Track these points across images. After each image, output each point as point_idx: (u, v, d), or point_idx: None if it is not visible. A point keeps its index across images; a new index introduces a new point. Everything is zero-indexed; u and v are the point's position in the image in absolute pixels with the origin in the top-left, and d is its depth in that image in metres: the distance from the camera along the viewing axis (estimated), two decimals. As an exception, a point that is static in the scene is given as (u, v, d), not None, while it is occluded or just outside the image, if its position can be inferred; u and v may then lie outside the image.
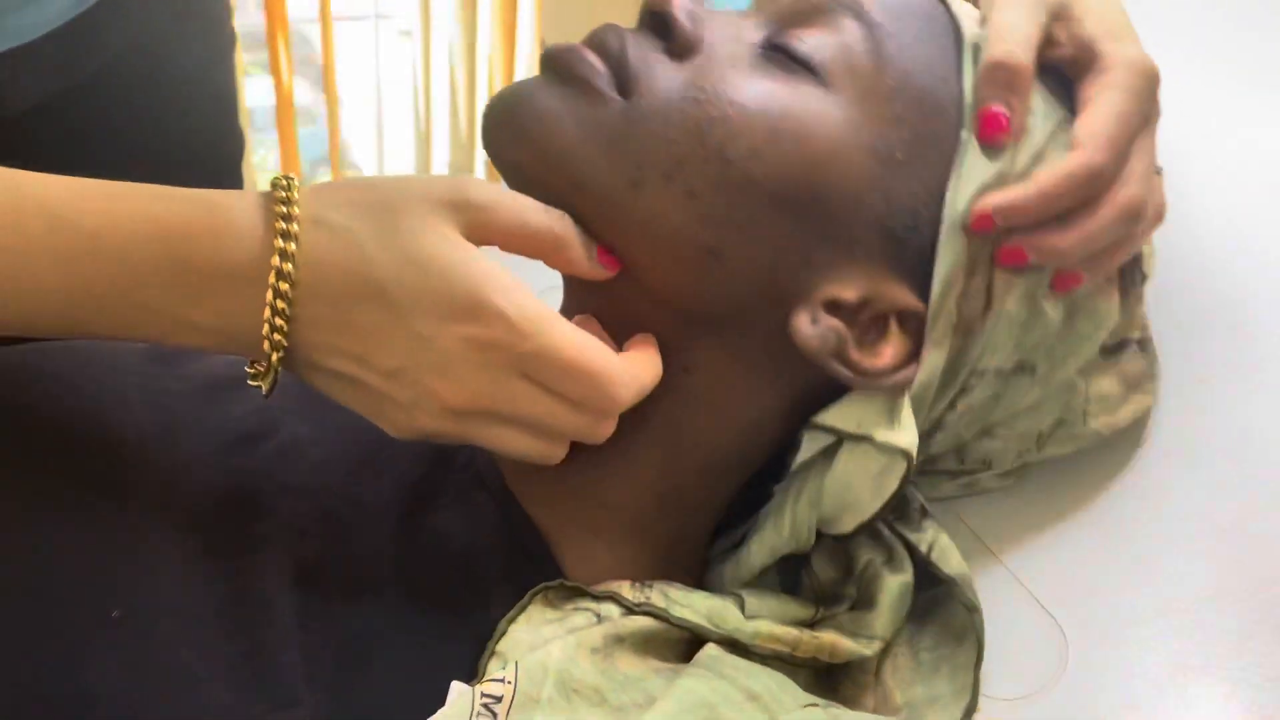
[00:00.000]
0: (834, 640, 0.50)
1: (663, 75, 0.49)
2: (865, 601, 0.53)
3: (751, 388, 0.52)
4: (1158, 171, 0.53)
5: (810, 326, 0.49)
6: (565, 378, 0.46)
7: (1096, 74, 0.51)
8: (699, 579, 0.56)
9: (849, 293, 0.50)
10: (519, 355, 0.45)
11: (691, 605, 0.49)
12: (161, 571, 0.47)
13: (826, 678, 0.53)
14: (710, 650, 0.48)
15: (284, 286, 0.44)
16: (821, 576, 0.55)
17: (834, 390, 0.51)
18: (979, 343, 0.51)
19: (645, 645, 0.48)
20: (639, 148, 0.48)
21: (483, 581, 0.50)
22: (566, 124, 0.49)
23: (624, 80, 0.49)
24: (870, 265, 0.50)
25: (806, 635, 0.50)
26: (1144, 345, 0.59)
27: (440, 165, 2.25)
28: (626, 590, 0.49)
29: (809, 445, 0.52)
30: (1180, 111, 0.73)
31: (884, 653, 0.52)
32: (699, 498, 0.54)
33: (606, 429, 0.48)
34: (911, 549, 0.54)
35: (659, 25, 0.51)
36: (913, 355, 0.51)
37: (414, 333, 0.45)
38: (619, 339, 0.51)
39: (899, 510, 0.54)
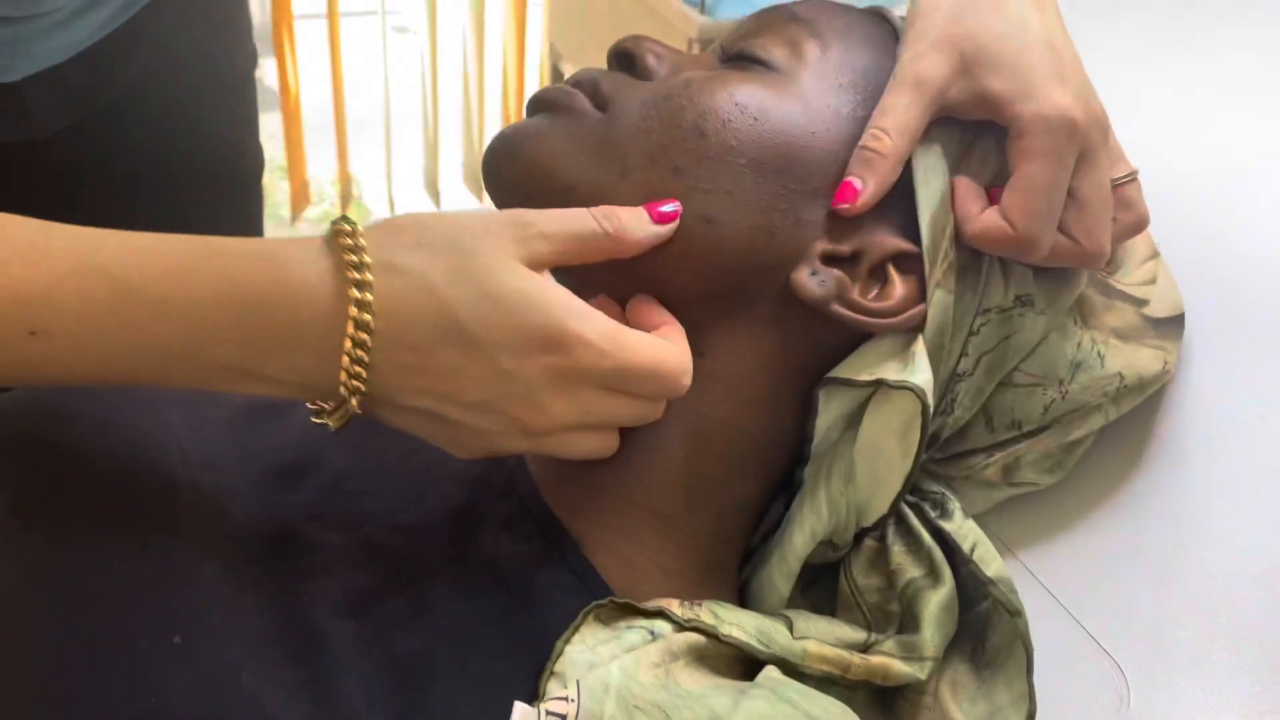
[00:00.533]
0: (885, 663, 0.50)
1: (633, 90, 0.55)
2: (910, 623, 0.53)
3: (765, 363, 0.54)
4: (1129, 178, 0.56)
5: (811, 278, 0.52)
6: (644, 382, 0.49)
7: (1014, 138, 0.53)
8: (742, 588, 0.57)
9: (842, 245, 0.53)
10: (602, 374, 0.47)
11: (740, 624, 0.50)
12: (218, 599, 0.48)
13: (881, 700, 0.53)
14: (771, 672, 0.48)
15: (362, 336, 0.45)
16: (861, 581, 0.54)
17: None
18: (979, 281, 0.54)
19: (700, 660, 0.49)
20: (622, 144, 0.53)
21: (533, 601, 0.51)
22: (554, 137, 0.54)
23: (599, 99, 0.55)
24: (859, 217, 0.53)
25: (857, 658, 0.50)
26: (1137, 303, 0.60)
27: (451, 164, 2.24)
28: (676, 607, 0.49)
29: (826, 406, 0.53)
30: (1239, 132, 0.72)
31: (941, 671, 0.52)
32: (729, 492, 0.55)
33: (661, 409, 0.51)
34: (953, 552, 0.53)
35: (626, 62, 0.58)
36: (919, 297, 0.53)
37: (498, 368, 0.46)
38: None
39: (941, 508, 0.54)
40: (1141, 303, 0.60)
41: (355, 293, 0.45)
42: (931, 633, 0.51)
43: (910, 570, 0.53)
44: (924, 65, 0.53)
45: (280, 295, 0.45)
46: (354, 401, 0.46)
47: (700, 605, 0.50)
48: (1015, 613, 0.51)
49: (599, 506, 0.53)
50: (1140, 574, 0.57)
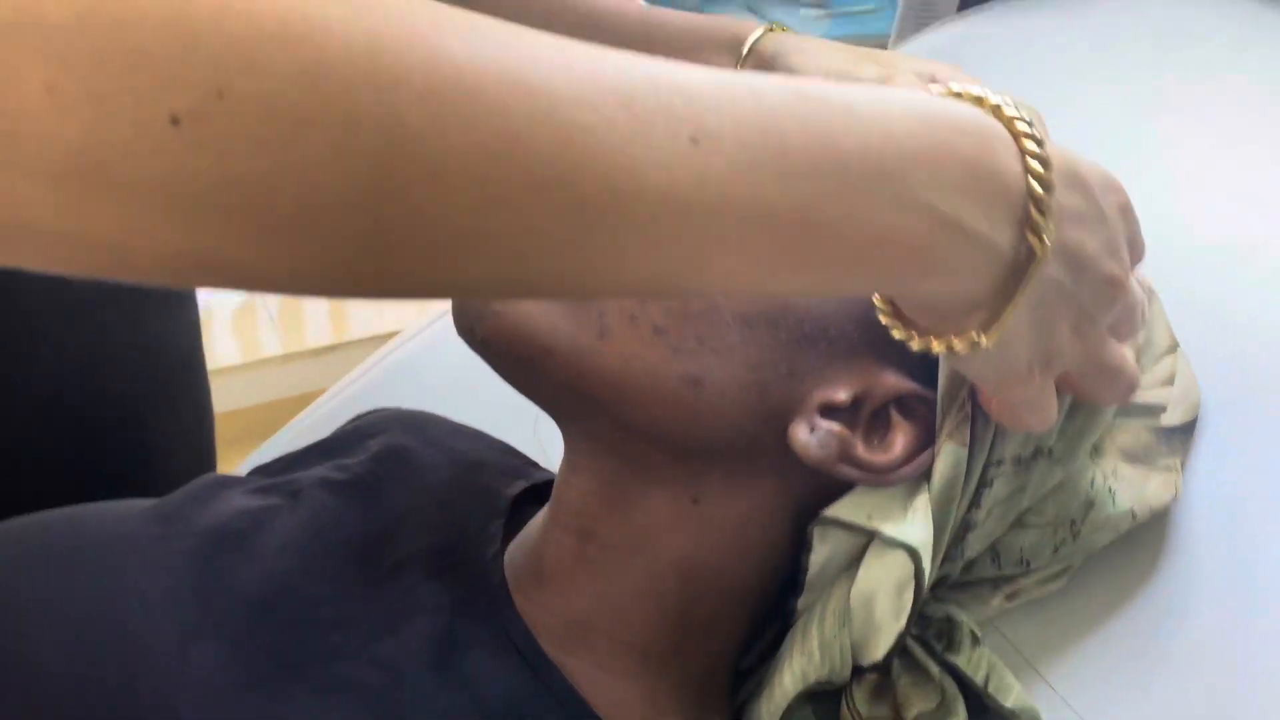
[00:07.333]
0: None
1: None
2: None
3: (763, 507, 0.51)
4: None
5: (809, 435, 0.49)
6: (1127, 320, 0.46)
7: None
8: (738, 710, 0.54)
9: (841, 393, 0.49)
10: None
11: None
12: None
13: None
14: None
15: (1038, 186, 0.38)
16: (865, 712, 0.51)
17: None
18: (989, 431, 0.50)
19: None
20: (597, 301, 0.50)
21: None
22: None
23: None
24: (856, 359, 0.50)
25: None
26: (1153, 414, 0.56)
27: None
28: None
29: (821, 542, 0.50)
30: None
31: None
32: (723, 631, 0.53)
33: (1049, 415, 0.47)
34: (965, 683, 0.51)
35: None
36: (924, 443, 0.50)
37: (1099, 206, 0.42)
38: (623, 482, 0.51)
39: (947, 638, 0.52)
40: (1158, 410, 0.57)
41: (1031, 146, 0.39)
42: None
43: (919, 703, 0.50)
44: None
45: (972, 135, 0.37)
46: (1039, 245, 0.38)
47: None
48: None
49: (589, 646, 0.51)
50: (1169, 686, 0.53)
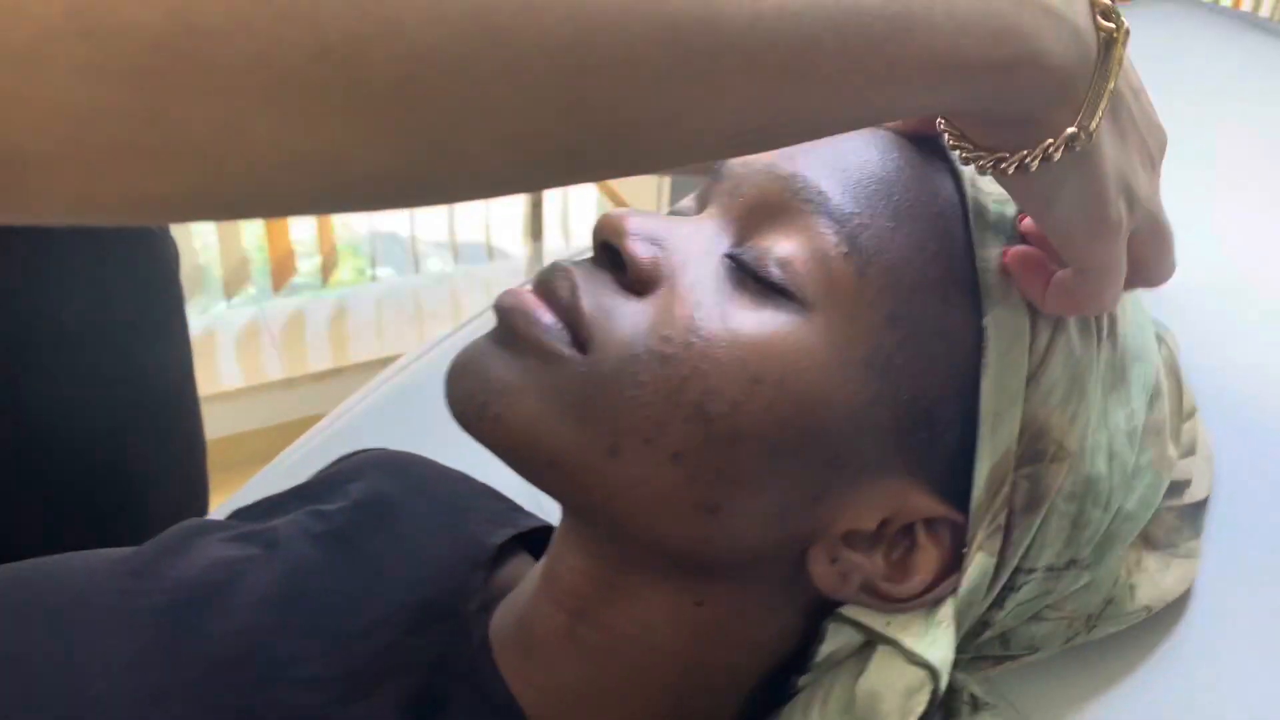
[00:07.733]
0: None
1: (621, 321, 0.45)
2: None
3: (768, 613, 0.49)
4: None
5: (830, 567, 0.46)
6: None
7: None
8: None
9: (867, 521, 0.46)
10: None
11: None
12: None
13: None
14: None
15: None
16: None
17: None
18: (1025, 540, 0.47)
19: None
20: (610, 412, 0.44)
21: None
22: (527, 397, 0.44)
23: (579, 332, 0.45)
24: (885, 482, 0.46)
25: None
26: (1179, 493, 0.54)
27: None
28: None
29: (834, 638, 0.48)
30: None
31: None
32: (716, 714, 0.51)
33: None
34: None
35: (614, 254, 0.46)
36: (950, 565, 0.47)
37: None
38: (622, 575, 0.49)
39: (946, 708, 0.50)
40: (1182, 487, 0.54)
41: None
42: None
43: None
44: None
45: None
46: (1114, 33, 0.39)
47: None
48: None
49: (570, 717, 0.50)
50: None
